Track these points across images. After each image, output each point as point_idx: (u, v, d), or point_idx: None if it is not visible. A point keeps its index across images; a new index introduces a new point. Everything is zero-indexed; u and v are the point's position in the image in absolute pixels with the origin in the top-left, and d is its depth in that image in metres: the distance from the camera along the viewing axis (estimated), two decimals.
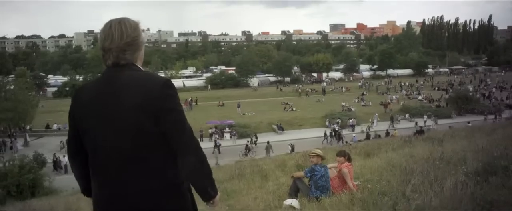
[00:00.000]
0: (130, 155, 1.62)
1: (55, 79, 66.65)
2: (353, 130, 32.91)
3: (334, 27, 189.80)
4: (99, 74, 1.91)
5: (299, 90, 55.38)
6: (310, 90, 56.58)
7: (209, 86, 59.64)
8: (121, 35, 1.68)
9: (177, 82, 51.20)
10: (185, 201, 1.74)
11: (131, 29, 1.71)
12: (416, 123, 33.17)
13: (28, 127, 34.97)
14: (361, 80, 64.96)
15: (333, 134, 30.74)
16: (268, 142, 26.29)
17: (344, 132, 32.01)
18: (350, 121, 34.83)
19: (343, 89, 56.94)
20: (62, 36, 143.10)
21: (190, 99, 43.92)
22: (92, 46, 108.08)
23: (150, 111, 1.61)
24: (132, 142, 1.62)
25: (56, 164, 24.73)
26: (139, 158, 1.62)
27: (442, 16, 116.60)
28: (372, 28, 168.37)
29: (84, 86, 1.82)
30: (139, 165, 1.63)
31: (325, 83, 64.53)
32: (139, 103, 1.60)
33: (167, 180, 1.68)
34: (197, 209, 1.86)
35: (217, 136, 31.12)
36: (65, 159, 25.02)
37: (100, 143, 1.67)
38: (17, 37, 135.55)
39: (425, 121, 33.62)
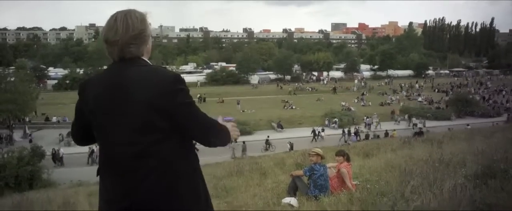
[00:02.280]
0: (141, 150, 1.60)
1: (56, 72, 66.46)
2: (369, 129, 33.12)
3: (336, 26, 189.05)
4: (100, 68, 1.87)
5: (290, 89, 55.27)
6: (309, 89, 56.58)
7: (199, 83, 59.11)
8: (126, 27, 1.63)
9: None
10: (197, 192, 1.72)
11: (138, 21, 1.65)
12: (416, 125, 33.36)
13: (27, 119, 35.00)
14: (362, 80, 64.77)
15: (344, 133, 30.67)
16: (243, 142, 25.51)
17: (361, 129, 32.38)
18: (367, 119, 35.15)
19: (354, 88, 56.86)
20: (63, 28, 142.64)
21: (199, 95, 43.88)
22: (93, 39, 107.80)
23: (160, 106, 1.58)
24: (142, 137, 1.60)
25: (55, 157, 24.71)
26: (149, 152, 1.60)
27: (443, 17, 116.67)
28: (374, 28, 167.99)
29: (89, 80, 1.77)
30: (150, 159, 1.61)
31: (325, 81, 64.56)
32: (148, 99, 1.57)
33: (179, 172, 1.66)
34: (209, 200, 1.82)
35: None
36: (61, 151, 25.07)
37: (110, 139, 1.66)
38: (18, 29, 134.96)
39: (413, 123, 33.78)
